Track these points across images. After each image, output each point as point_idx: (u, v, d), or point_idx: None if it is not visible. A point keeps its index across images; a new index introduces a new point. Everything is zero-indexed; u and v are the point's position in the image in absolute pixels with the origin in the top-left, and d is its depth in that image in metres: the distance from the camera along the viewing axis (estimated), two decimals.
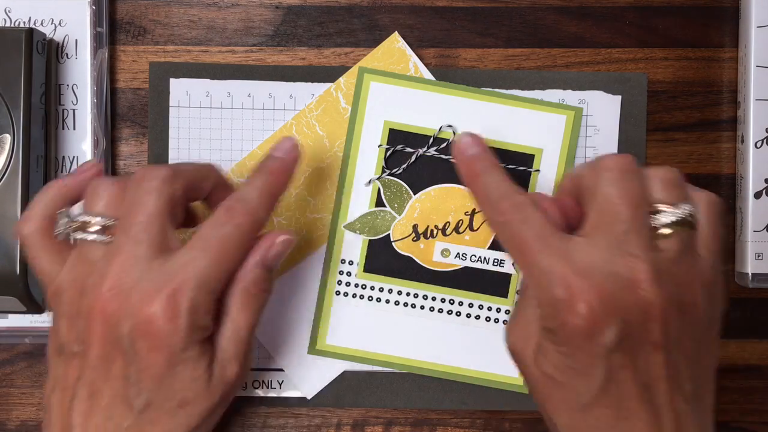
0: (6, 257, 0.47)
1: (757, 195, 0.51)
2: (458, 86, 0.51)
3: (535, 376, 0.40)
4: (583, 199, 0.41)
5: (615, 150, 0.52)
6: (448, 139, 0.51)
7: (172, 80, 0.52)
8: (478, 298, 0.52)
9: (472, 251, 0.52)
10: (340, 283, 0.52)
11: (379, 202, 0.52)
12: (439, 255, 0.52)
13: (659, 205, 0.39)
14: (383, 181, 0.52)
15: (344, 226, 0.52)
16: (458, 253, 0.51)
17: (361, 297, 0.52)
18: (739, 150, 0.52)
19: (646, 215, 0.38)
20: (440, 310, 0.52)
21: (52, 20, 0.51)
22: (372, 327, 0.52)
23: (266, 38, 0.53)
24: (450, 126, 0.51)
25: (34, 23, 0.51)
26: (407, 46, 0.52)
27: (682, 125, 0.53)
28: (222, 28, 0.53)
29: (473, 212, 0.51)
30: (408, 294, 0.52)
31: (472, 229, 0.52)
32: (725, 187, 0.53)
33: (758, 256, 0.51)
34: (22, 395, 0.53)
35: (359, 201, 0.52)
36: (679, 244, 0.38)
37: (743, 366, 0.53)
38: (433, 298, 0.52)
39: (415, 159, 0.51)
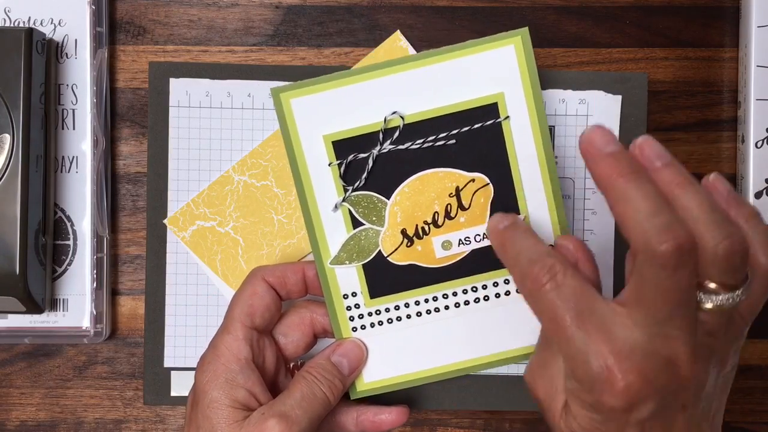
0: (6, 257, 0.47)
1: (758, 195, 0.51)
2: (383, 64, 0.46)
3: (561, 429, 0.40)
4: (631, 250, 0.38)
5: None
6: (399, 127, 0.46)
7: (172, 80, 0.52)
8: (496, 276, 0.48)
9: (474, 231, 0.47)
10: (352, 319, 0.48)
11: (356, 223, 0.47)
12: (441, 249, 0.47)
13: (713, 285, 0.37)
14: (350, 200, 0.47)
15: (330, 263, 0.47)
16: (460, 240, 0.47)
17: (380, 323, 0.48)
18: (739, 150, 0.52)
19: (694, 295, 0.37)
20: (466, 303, 0.48)
21: (52, 20, 0.51)
22: (402, 348, 0.49)
23: (266, 38, 0.53)
24: (395, 112, 0.46)
25: (34, 23, 0.51)
26: (409, 44, 0.52)
27: (682, 125, 0.53)
28: (222, 28, 0.52)
29: (457, 191, 0.47)
30: (426, 301, 0.48)
31: (463, 209, 0.47)
32: None
33: None
34: (21, 395, 0.53)
35: (334, 230, 0.47)
36: (720, 318, 0.38)
37: (743, 366, 0.53)
38: (454, 294, 0.48)
39: (373, 162, 0.46)
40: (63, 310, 0.51)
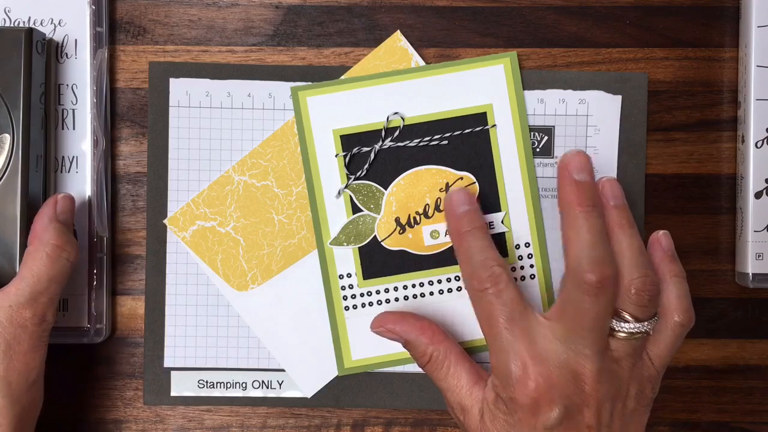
0: (6, 257, 0.47)
1: (758, 195, 0.51)
2: (390, 72, 0.51)
3: None
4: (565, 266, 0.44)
5: (615, 151, 0.52)
6: (399, 126, 0.51)
7: (171, 80, 0.52)
8: None
9: None
10: (345, 298, 0.52)
11: (355, 209, 0.51)
12: (430, 238, 0.51)
13: (626, 314, 0.44)
14: (351, 188, 0.51)
15: (330, 243, 0.51)
16: (446, 231, 0.51)
17: (370, 304, 0.52)
18: (739, 150, 0.52)
19: (607, 322, 0.43)
20: (449, 290, 0.52)
21: (52, 20, 0.51)
22: None
23: (266, 38, 0.53)
24: (396, 113, 0.51)
25: (34, 23, 0.51)
26: (409, 44, 0.52)
27: (682, 125, 0.53)
28: (222, 28, 0.52)
29: (447, 186, 0.51)
30: (413, 286, 0.52)
31: None
32: (725, 187, 0.53)
33: (758, 256, 0.51)
34: None
35: (335, 214, 0.51)
36: (628, 349, 0.44)
37: (743, 366, 0.53)
38: (439, 281, 0.52)
39: (374, 155, 0.51)
40: (63, 310, 0.51)
